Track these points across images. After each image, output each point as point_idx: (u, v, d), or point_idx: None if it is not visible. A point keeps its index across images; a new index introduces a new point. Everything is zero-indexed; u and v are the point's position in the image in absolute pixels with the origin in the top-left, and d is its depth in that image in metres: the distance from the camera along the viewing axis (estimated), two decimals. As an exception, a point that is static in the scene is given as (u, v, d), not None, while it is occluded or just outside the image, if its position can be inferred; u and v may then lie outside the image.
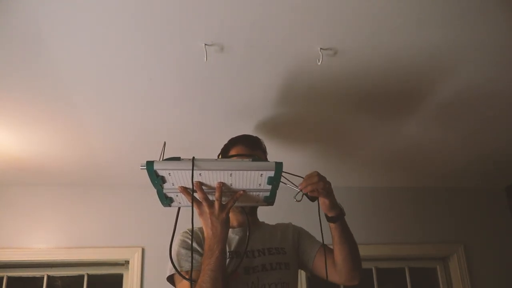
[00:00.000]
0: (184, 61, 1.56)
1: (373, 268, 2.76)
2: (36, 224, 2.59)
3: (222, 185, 1.24)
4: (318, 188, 1.31)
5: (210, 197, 1.26)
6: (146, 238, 2.59)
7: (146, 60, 1.56)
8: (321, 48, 1.51)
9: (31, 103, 1.80)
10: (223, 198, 1.26)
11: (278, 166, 1.21)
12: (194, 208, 1.26)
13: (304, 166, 2.41)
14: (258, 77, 1.68)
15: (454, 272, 2.77)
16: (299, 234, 1.60)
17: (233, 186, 1.26)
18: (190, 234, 1.47)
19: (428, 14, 1.38)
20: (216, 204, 1.25)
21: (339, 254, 1.43)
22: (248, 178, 1.22)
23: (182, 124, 2.01)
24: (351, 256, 1.43)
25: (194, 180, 1.21)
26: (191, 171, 1.18)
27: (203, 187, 1.25)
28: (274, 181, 1.25)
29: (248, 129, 2.06)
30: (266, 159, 1.56)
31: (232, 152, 1.53)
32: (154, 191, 2.99)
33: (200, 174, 1.19)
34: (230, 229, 1.48)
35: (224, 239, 1.27)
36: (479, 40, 1.51)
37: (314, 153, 2.35)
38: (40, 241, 2.55)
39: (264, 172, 1.21)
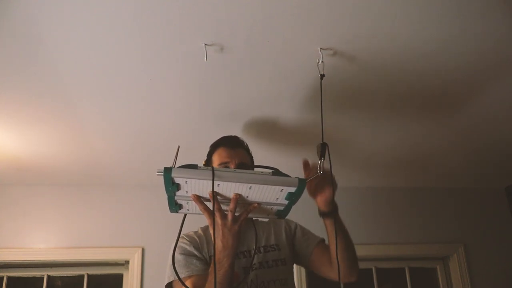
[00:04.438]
0: (184, 61, 1.56)
1: (373, 268, 2.76)
2: (36, 224, 2.59)
3: (238, 196, 1.20)
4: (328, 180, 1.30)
5: (223, 207, 1.22)
6: (146, 238, 2.59)
7: (146, 60, 1.56)
8: (321, 48, 1.51)
9: (31, 103, 1.80)
10: (236, 209, 1.23)
11: (302, 182, 1.18)
12: (206, 218, 1.23)
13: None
14: (258, 77, 1.68)
15: (454, 272, 2.77)
16: (294, 230, 1.58)
17: (249, 198, 1.22)
18: (187, 239, 1.46)
19: (427, 15, 1.38)
20: (230, 216, 1.21)
21: (336, 251, 1.39)
22: (267, 192, 1.19)
23: (181, 123, 2.01)
24: (349, 253, 1.41)
25: (209, 190, 1.17)
26: (209, 181, 1.13)
27: (218, 197, 1.21)
28: (294, 197, 1.22)
29: (247, 130, 2.06)
30: (250, 157, 1.55)
31: (215, 156, 1.50)
32: (154, 191, 3.00)
33: (218, 184, 1.15)
34: None
35: (234, 252, 1.23)
36: (476, 39, 1.52)
37: (314, 154, 2.35)
38: (40, 241, 2.55)
39: (285, 187, 1.18)
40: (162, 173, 1.13)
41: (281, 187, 1.18)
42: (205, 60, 1.50)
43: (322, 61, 1.52)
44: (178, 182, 1.16)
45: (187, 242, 1.44)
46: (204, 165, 1.55)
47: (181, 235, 1.47)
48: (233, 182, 1.15)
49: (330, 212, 1.35)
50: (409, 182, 2.86)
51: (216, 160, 1.49)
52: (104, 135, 2.10)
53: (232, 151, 1.49)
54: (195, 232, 1.50)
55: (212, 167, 1.15)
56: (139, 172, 2.51)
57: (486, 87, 1.81)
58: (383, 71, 1.67)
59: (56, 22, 1.36)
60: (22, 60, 1.53)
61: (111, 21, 1.36)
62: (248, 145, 1.58)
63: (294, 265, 1.56)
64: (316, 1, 1.31)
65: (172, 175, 1.13)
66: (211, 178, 1.13)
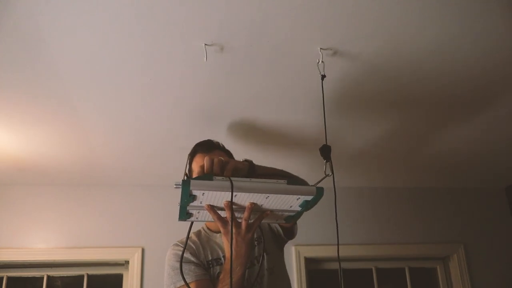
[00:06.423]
0: (184, 61, 1.56)
1: (373, 268, 2.76)
2: (36, 224, 2.59)
3: (254, 205, 1.19)
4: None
5: (236, 214, 1.22)
6: (146, 238, 2.59)
7: (146, 60, 1.56)
8: (321, 48, 1.51)
9: (31, 103, 1.80)
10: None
11: (319, 191, 1.17)
12: (220, 227, 1.22)
13: (305, 169, 2.41)
14: (258, 77, 1.68)
15: (454, 272, 2.77)
16: None
17: (263, 206, 1.22)
18: (183, 246, 1.45)
19: (427, 15, 1.38)
20: (243, 224, 1.21)
21: None
22: (283, 200, 1.19)
23: (181, 123, 2.01)
24: None
25: (224, 200, 1.16)
26: (226, 192, 1.12)
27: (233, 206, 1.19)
28: (309, 205, 1.22)
29: (247, 130, 2.06)
30: (229, 156, 1.55)
31: (194, 164, 1.50)
32: (154, 191, 2.99)
33: (235, 195, 1.14)
34: (218, 234, 1.48)
35: (247, 261, 1.24)
36: (478, 36, 1.52)
37: (315, 154, 2.35)
38: (40, 241, 2.56)
39: (302, 196, 1.18)
40: (180, 186, 1.11)
41: (298, 196, 1.17)
42: (205, 60, 1.50)
43: (322, 61, 1.53)
44: (195, 194, 1.14)
45: (183, 249, 1.44)
46: (186, 175, 1.54)
47: (176, 242, 1.48)
48: (252, 193, 1.14)
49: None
50: (409, 182, 2.86)
51: (195, 168, 1.49)
52: (104, 135, 2.10)
53: (207, 156, 1.49)
54: (189, 238, 1.50)
55: (230, 179, 1.13)
56: (139, 172, 2.51)
57: (487, 87, 1.81)
58: (383, 71, 1.67)
59: (56, 22, 1.36)
60: (22, 60, 1.53)
61: (111, 21, 1.36)
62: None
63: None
64: (316, 1, 1.31)
65: (191, 187, 1.10)
66: (230, 190, 1.11)
